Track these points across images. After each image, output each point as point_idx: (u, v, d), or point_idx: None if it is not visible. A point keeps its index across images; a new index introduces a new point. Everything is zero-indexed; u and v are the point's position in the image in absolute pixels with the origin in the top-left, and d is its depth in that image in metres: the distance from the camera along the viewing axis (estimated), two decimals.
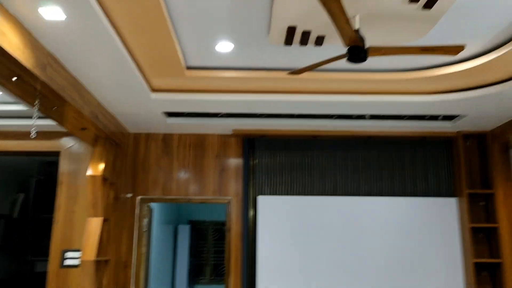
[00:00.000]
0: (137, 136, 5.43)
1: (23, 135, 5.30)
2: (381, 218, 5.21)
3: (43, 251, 6.54)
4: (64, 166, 5.25)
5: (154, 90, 4.20)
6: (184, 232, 9.69)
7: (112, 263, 4.96)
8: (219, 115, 4.92)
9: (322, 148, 5.44)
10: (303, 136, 5.37)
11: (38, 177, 8.01)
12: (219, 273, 10.09)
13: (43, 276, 5.84)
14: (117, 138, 4.95)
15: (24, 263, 7.99)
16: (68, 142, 5.27)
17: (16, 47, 2.76)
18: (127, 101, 4.30)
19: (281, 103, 4.35)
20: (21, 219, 7.97)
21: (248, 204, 5.30)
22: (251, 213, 5.27)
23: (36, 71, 3.02)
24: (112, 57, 3.33)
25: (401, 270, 5.07)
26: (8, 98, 4.41)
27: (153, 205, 6.93)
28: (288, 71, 3.78)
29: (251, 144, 5.42)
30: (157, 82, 4.11)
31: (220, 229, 10.10)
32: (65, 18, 2.77)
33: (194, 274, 10.10)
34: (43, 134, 5.29)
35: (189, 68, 3.96)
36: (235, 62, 3.82)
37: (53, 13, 2.71)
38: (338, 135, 5.34)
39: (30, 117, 4.90)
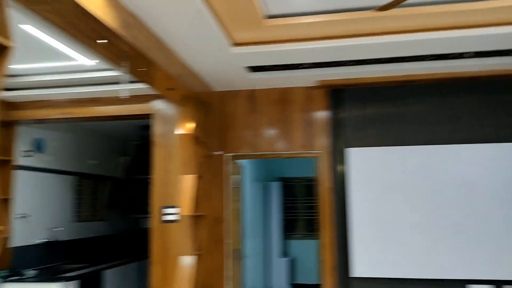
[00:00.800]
0: (223, 94, 5.47)
1: (119, 100, 5.58)
2: (485, 167, 4.79)
3: (145, 209, 7.02)
4: (157, 128, 5.47)
5: (235, 44, 4.14)
6: (275, 189, 9.82)
7: (207, 218, 5.15)
8: (303, 66, 4.75)
9: (415, 94, 5.08)
10: (393, 82, 5.03)
11: (137, 141, 8.52)
12: (312, 228, 10.16)
13: (146, 231, 6.26)
14: (204, 97, 5.03)
15: (131, 220, 8.66)
16: (159, 104, 5.46)
17: (101, 8, 2.82)
18: (209, 58, 4.30)
19: (369, 46, 4.07)
20: (125, 180, 8.59)
21: (337, 157, 5.15)
22: (341, 166, 5.14)
23: (122, 32, 3.09)
24: (191, 12, 3.30)
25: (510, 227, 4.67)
26: (104, 65, 4.63)
27: (243, 163, 7.05)
28: (375, 8, 3.48)
29: (338, 95, 5.21)
30: (238, 36, 4.03)
31: (310, 185, 10.09)
32: None
33: (287, 229, 10.27)
34: (135, 98, 5.53)
35: (268, 17, 3.83)
36: (317, 5, 3.61)
37: None
38: (433, 78, 4.93)
39: (125, 83, 5.13)
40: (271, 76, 4.92)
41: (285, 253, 10.05)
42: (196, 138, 4.81)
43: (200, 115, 5.00)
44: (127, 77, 3.74)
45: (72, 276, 5.52)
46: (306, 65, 4.70)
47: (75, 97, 5.52)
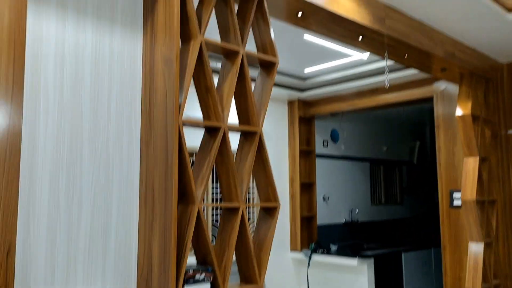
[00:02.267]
0: (510, 67, 4.86)
1: (399, 87, 5.70)
2: None
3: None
4: (438, 110, 5.34)
5: (510, 9, 3.67)
6: None
7: (500, 204, 4.70)
8: None
9: None
10: None
11: (429, 124, 8.42)
12: None
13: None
14: (486, 72, 4.61)
15: (427, 204, 8.59)
16: (440, 86, 5.31)
17: (351, 10, 3.08)
18: (483, 30, 3.95)
19: None
20: (420, 164, 8.61)
21: None
22: None
23: (375, 26, 3.27)
24: None
25: None
26: (376, 57, 4.88)
27: None
28: None
29: None
30: (510, 0, 3.58)
31: None
32: None
33: None
34: (417, 82, 5.52)
35: None
36: None
37: None
38: None
39: (399, 69, 5.22)
40: None
41: None
42: (477, 118, 4.48)
43: (481, 92, 4.62)
44: (387, 62, 3.86)
45: (369, 254, 6.00)
46: None
47: (358, 89, 5.96)
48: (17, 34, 1.68)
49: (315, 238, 6.55)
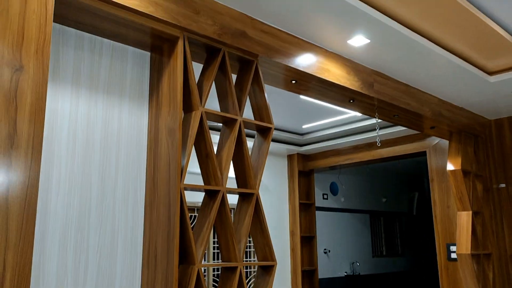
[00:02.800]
0: (499, 122, 5.09)
1: (393, 142, 5.91)
2: None
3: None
4: (432, 164, 5.52)
5: (491, 73, 3.93)
6: None
7: (495, 257, 4.78)
8: None
9: None
10: None
11: (426, 176, 8.55)
12: None
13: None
14: (473, 129, 4.83)
15: (427, 257, 8.58)
16: (432, 140, 5.52)
17: (340, 77, 3.34)
18: (467, 92, 4.21)
19: None
20: (418, 216, 8.68)
21: None
22: None
23: (364, 90, 3.51)
24: (431, 59, 3.44)
25: None
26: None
27: None
28: None
29: None
30: (491, 65, 3.84)
31: None
32: (369, 41, 3.16)
33: None
34: (407, 138, 5.75)
35: None
36: None
37: (358, 40, 3.15)
38: None
39: (392, 126, 5.45)
40: None
41: None
42: (468, 172, 4.65)
43: (470, 148, 4.82)
44: (378, 122, 4.08)
45: None
46: None
47: (354, 144, 6.17)
48: (37, 113, 1.89)
49: None
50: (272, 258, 2.69)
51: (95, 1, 2.11)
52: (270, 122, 2.86)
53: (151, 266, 2.34)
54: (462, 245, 4.46)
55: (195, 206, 5.41)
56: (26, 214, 1.84)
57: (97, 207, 2.29)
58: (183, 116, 2.50)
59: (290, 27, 2.96)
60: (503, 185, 4.94)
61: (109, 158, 2.36)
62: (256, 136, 2.91)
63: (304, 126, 5.94)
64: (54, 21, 2.24)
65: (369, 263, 7.74)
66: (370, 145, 6.12)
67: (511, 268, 4.76)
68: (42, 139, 1.85)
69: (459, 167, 4.58)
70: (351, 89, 3.42)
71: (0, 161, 1.68)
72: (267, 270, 2.71)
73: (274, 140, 6.22)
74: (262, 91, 2.87)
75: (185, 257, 2.33)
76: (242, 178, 2.71)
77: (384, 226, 8.20)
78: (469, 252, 4.39)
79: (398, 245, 8.38)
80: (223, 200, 2.49)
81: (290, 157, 6.86)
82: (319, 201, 7.13)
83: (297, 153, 6.75)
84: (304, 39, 3.11)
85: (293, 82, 3.26)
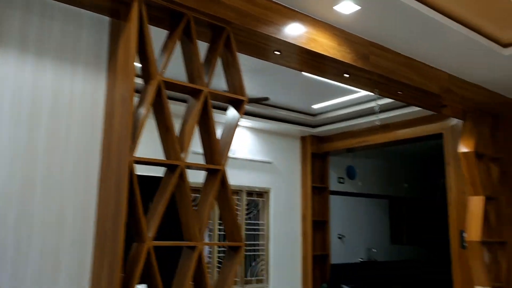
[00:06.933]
0: None
1: (410, 123, 5.56)
2: None
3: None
4: (448, 147, 5.16)
5: (505, 45, 3.56)
6: None
7: (511, 245, 4.42)
8: None
9: None
10: None
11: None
12: None
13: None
14: (491, 108, 4.45)
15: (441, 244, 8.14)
16: (449, 122, 5.15)
17: (329, 47, 3.08)
18: (479, 67, 3.84)
19: None
20: (443, 202, 8.26)
21: None
22: None
23: (358, 64, 3.24)
24: (433, 29, 3.12)
25: None
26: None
27: None
28: None
29: None
30: (505, 36, 3.47)
31: None
32: (360, 8, 2.89)
33: None
34: (424, 119, 5.39)
35: None
36: None
37: (346, 7, 2.88)
38: None
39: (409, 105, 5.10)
40: None
41: None
42: (482, 155, 4.30)
43: (486, 129, 4.45)
44: (377, 98, 3.80)
45: None
46: None
47: (369, 125, 5.85)
48: None
49: (328, 278, 6.35)
50: (240, 239, 2.52)
51: None
52: (242, 94, 2.67)
53: (100, 244, 2.23)
54: (472, 232, 4.14)
55: (199, 187, 5.29)
56: None
57: (43, 180, 2.18)
58: (143, 86, 2.35)
59: None
60: None
61: (58, 128, 2.25)
62: (228, 109, 2.73)
63: (314, 106, 5.68)
64: None
65: (387, 250, 7.44)
66: (386, 127, 5.80)
67: None
68: None
69: (472, 149, 4.24)
70: (342, 62, 3.16)
71: None
72: (235, 250, 2.55)
73: (285, 121, 5.99)
74: (235, 60, 2.68)
75: (139, 234, 2.20)
76: (209, 153, 2.55)
77: (407, 212, 7.86)
78: (479, 239, 4.07)
79: (420, 232, 8.02)
80: (182, 176, 2.34)
81: (303, 138, 6.63)
82: (334, 185, 6.88)
83: (311, 135, 6.50)
84: (285, 5, 2.87)
85: (277, 53, 3.04)
